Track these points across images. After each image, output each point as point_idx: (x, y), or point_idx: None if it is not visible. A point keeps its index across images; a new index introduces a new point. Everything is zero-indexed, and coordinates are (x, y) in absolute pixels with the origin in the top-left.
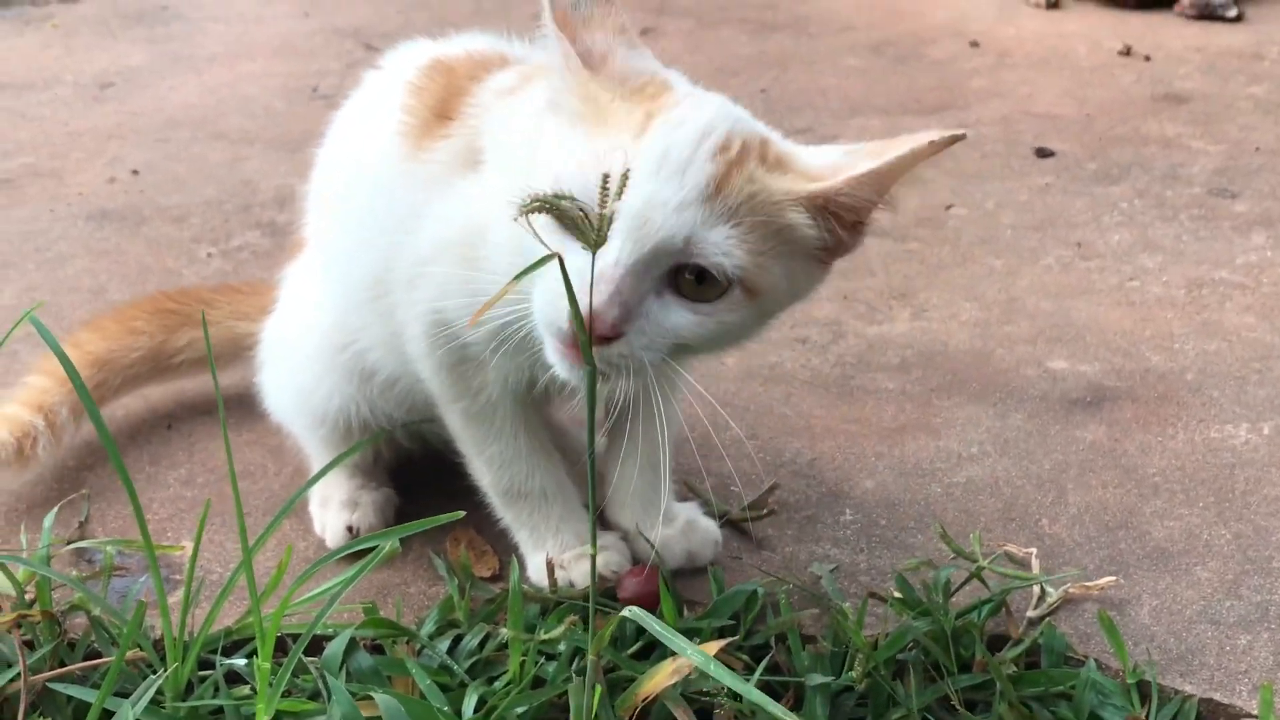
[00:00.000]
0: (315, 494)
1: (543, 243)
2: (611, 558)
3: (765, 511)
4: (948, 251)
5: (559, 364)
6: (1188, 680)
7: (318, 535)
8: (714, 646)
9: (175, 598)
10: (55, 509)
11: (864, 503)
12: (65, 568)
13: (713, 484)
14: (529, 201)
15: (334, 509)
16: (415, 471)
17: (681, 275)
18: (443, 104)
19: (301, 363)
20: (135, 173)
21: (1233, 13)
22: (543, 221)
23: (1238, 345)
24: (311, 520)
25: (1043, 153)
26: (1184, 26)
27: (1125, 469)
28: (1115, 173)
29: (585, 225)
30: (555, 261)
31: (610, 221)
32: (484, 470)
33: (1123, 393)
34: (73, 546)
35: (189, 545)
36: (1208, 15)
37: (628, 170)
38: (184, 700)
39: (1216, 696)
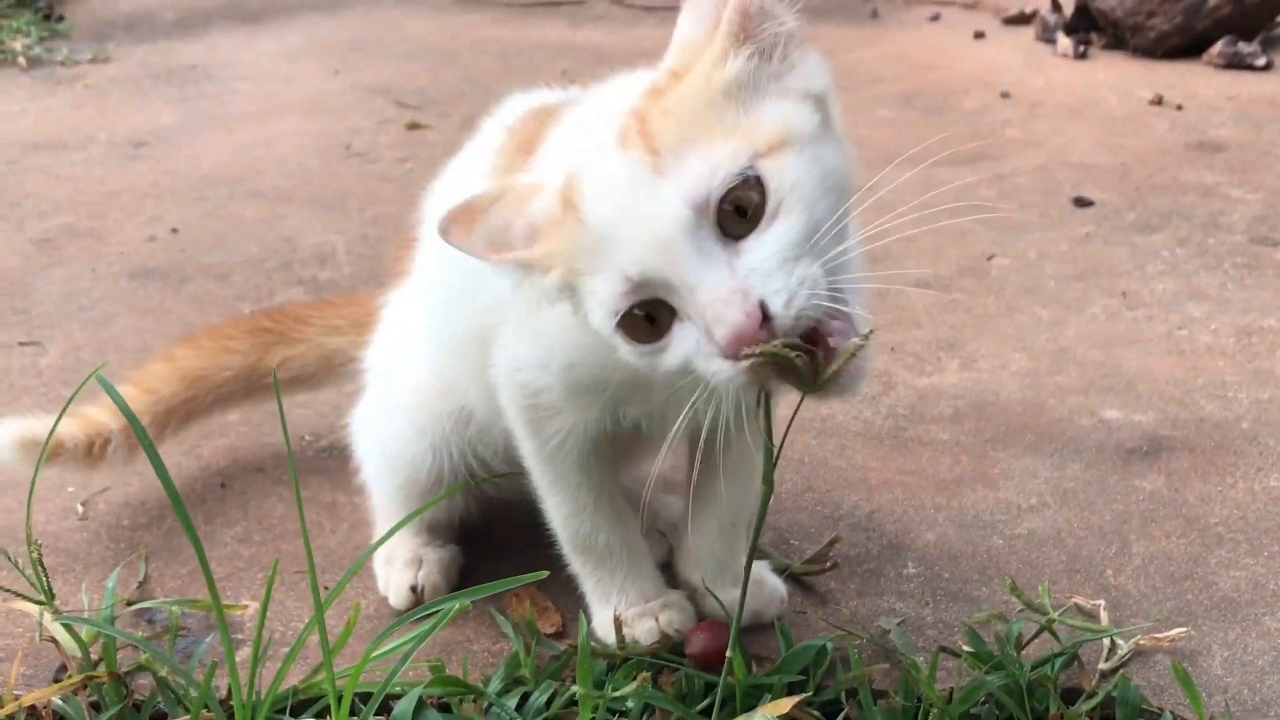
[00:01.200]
0: (380, 552)
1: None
2: (675, 616)
3: (829, 565)
4: (993, 301)
5: (737, 381)
6: None
7: (380, 593)
8: (787, 703)
9: (239, 657)
10: (116, 569)
11: (926, 555)
12: (126, 628)
13: (771, 538)
14: (743, 364)
15: (398, 567)
16: (479, 528)
17: (728, 222)
18: (529, 143)
19: (397, 400)
20: (175, 231)
21: (1262, 61)
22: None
23: None
24: (375, 578)
25: (1081, 202)
26: (1214, 75)
27: (1187, 519)
28: (1155, 221)
29: (797, 369)
30: (681, 348)
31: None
32: (554, 517)
33: (1179, 442)
34: (137, 607)
35: (253, 604)
36: (1237, 64)
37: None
38: None
39: None
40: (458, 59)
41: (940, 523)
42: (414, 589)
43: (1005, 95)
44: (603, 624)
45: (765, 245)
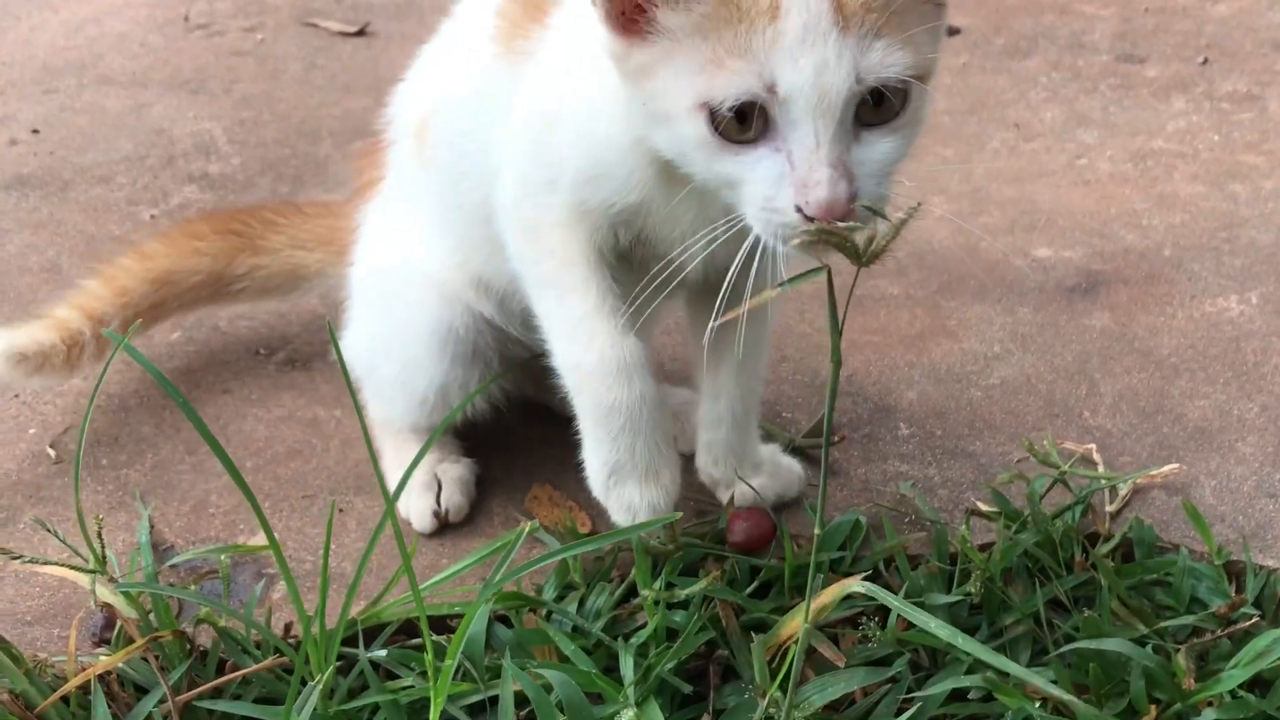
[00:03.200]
0: (391, 474)
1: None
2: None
3: (838, 439)
4: None
5: (792, 250)
6: (1267, 555)
7: (399, 513)
8: (852, 581)
9: (278, 594)
10: (145, 522)
11: (914, 415)
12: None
13: (763, 413)
14: (811, 230)
15: (417, 491)
16: (485, 433)
17: (862, 107)
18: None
19: (414, 294)
20: (36, 131)
21: None
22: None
23: (1199, 216)
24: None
25: (949, 30)
26: None
27: (1141, 353)
28: (1024, 46)
29: (852, 248)
30: (752, 167)
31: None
32: (557, 343)
33: (1112, 275)
34: (184, 559)
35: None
36: None
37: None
38: (330, 698)
39: None
40: None
41: (917, 380)
42: (436, 514)
43: None
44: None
45: (880, 151)
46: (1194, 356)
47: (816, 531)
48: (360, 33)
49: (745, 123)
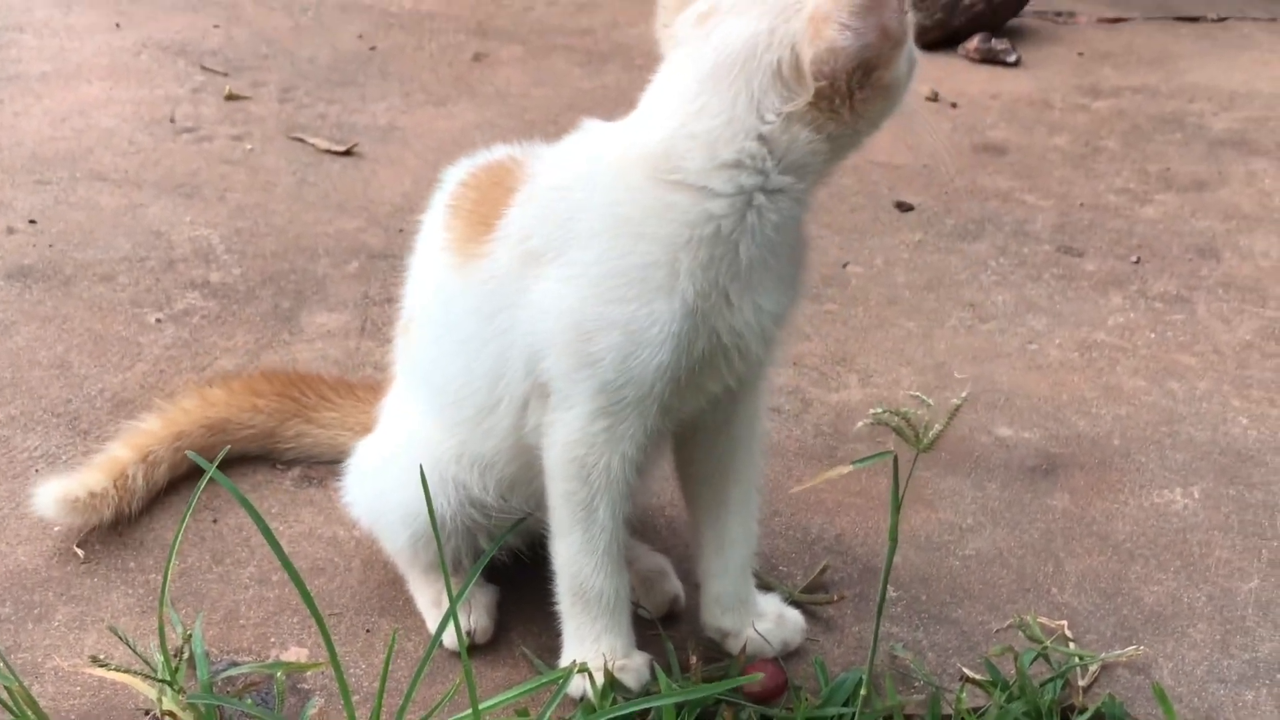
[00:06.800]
0: (424, 595)
1: None
2: (644, 674)
3: (836, 598)
4: (862, 313)
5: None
6: None
7: (429, 632)
8: None
9: (312, 710)
10: (199, 631)
11: (899, 578)
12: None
13: (759, 564)
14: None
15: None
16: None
17: None
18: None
19: (406, 477)
20: (33, 222)
21: (1013, 58)
22: None
23: (1142, 409)
24: (423, 619)
25: (903, 206)
26: (973, 70)
27: (1100, 536)
28: (973, 229)
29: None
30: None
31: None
32: (564, 556)
33: (1069, 459)
34: (239, 672)
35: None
36: (991, 59)
37: None
38: None
39: None
40: (242, 13)
41: (900, 545)
42: (468, 633)
43: None
44: (567, 661)
45: None
46: (1146, 544)
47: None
48: (348, 152)
49: None
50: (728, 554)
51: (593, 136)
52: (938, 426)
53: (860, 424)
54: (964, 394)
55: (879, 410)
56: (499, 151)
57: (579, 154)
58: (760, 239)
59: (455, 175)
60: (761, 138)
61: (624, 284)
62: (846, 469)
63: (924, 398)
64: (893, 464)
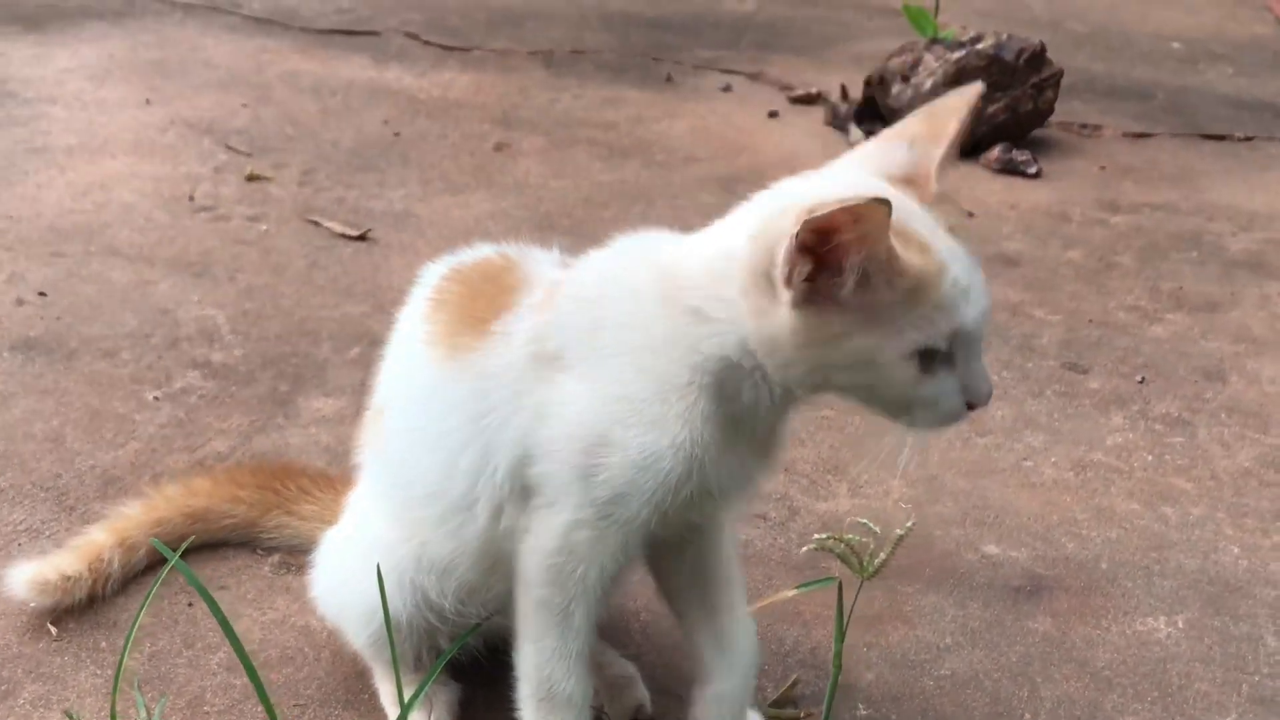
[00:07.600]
0: (387, 691)
1: None
2: None
3: (804, 714)
4: (858, 420)
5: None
6: None
7: None
8: None
9: None
10: (156, 717)
11: (872, 697)
12: None
13: None
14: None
15: (413, 711)
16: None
17: None
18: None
19: (366, 576)
20: (43, 294)
21: (1033, 169)
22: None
23: (1132, 533)
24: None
25: None
26: (991, 180)
27: (1078, 662)
28: None
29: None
30: (939, 385)
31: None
32: (530, 662)
33: (1053, 581)
34: None
35: None
36: (1010, 170)
37: None
38: None
39: None
40: (271, 94)
41: (875, 662)
42: None
43: None
44: None
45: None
46: (1125, 672)
47: None
48: (362, 237)
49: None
50: (731, 650)
51: (628, 256)
52: (883, 555)
53: (805, 548)
54: (909, 523)
55: (823, 537)
56: (483, 249)
57: (611, 269)
58: (766, 404)
59: (436, 270)
60: None
61: (636, 410)
62: (790, 593)
63: (870, 524)
64: (837, 590)
